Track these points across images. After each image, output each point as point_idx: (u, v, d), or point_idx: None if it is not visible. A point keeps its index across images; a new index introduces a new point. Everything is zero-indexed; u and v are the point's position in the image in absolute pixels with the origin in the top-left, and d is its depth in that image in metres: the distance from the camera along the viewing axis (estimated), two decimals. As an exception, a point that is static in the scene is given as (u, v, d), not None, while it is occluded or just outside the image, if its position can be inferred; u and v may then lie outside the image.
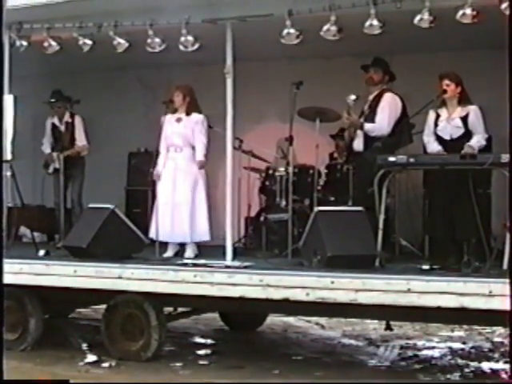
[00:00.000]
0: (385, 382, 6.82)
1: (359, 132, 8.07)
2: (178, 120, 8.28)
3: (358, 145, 8.10)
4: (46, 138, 9.84)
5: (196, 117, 8.27)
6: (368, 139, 7.96)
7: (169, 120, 8.30)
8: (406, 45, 8.78)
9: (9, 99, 8.96)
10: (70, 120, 9.65)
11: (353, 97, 7.97)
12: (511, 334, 6.34)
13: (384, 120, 7.90)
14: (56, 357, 7.83)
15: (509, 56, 5.52)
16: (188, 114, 8.27)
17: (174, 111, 8.35)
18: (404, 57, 9.03)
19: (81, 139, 9.65)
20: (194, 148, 8.28)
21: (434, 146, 7.46)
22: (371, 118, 7.97)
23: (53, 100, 9.65)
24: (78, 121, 9.66)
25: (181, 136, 8.23)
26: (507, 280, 5.76)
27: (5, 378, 5.41)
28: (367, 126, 7.95)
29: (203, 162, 8.20)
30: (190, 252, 8.22)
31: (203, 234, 8.22)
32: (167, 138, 8.26)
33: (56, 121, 9.75)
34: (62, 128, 9.66)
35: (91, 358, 7.78)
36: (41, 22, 8.32)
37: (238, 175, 8.63)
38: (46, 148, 9.80)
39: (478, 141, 7.27)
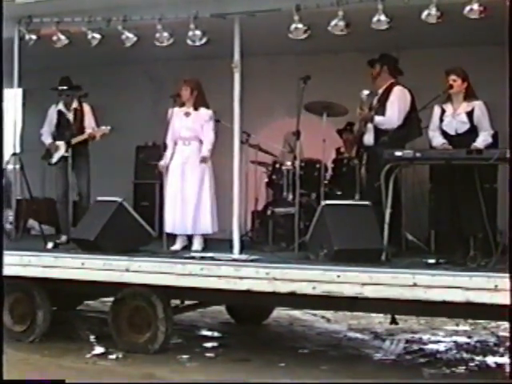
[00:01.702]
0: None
1: (369, 126, 8.08)
2: (187, 114, 8.32)
3: (369, 139, 8.11)
4: (46, 128, 9.38)
5: (205, 112, 8.31)
6: (378, 133, 7.98)
7: (177, 113, 8.33)
8: (413, 40, 8.80)
9: (18, 93, 9.02)
10: (78, 107, 9.29)
11: (366, 92, 8.01)
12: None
13: (394, 113, 7.91)
14: (64, 349, 7.88)
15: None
16: (196, 108, 8.32)
17: (182, 105, 8.39)
18: (411, 52, 9.04)
19: (90, 127, 9.26)
20: (201, 142, 8.33)
21: (438, 140, 7.48)
22: (381, 111, 7.98)
23: (64, 87, 9.25)
24: (87, 109, 9.30)
25: (189, 130, 8.28)
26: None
27: (7, 376, 5.44)
28: (377, 118, 7.96)
29: (207, 158, 8.25)
30: (197, 245, 8.27)
31: (207, 226, 8.26)
32: (175, 131, 8.30)
33: (62, 108, 9.31)
34: (70, 116, 9.23)
35: (99, 349, 7.84)
36: (50, 16, 8.38)
37: (245, 169, 8.68)
38: (47, 138, 9.33)
39: (483, 139, 7.28)
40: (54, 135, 9.33)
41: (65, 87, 9.26)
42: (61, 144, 9.12)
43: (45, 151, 9.39)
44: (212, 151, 8.33)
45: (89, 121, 9.28)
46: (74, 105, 9.31)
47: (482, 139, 7.29)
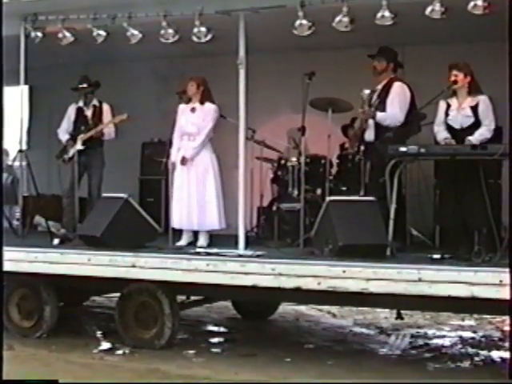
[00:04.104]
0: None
1: (370, 122, 8.08)
2: (193, 110, 8.36)
3: (369, 135, 8.12)
4: (64, 126, 9.38)
5: (209, 106, 8.35)
6: (379, 129, 7.99)
7: (183, 110, 8.37)
8: (417, 36, 8.82)
9: (24, 90, 9.04)
10: (97, 104, 9.35)
11: (367, 91, 8.00)
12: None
13: (395, 109, 7.90)
14: (71, 344, 7.90)
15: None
16: (202, 103, 8.36)
17: (188, 101, 8.42)
18: (416, 48, 9.07)
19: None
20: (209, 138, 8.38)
21: (442, 135, 7.48)
22: (381, 108, 7.97)
23: (84, 85, 9.29)
24: (106, 107, 9.33)
25: (195, 125, 8.31)
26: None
27: (16, 370, 5.48)
28: (379, 115, 7.93)
29: (187, 160, 8.22)
30: (202, 241, 8.30)
31: (213, 222, 8.30)
32: (181, 127, 8.33)
33: (82, 105, 9.34)
34: (89, 112, 9.31)
35: (105, 345, 7.86)
36: (56, 14, 8.43)
37: (251, 165, 8.70)
38: (64, 135, 9.34)
39: (480, 134, 7.28)
40: (71, 133, 9.35)
41: (84, 85, 9.29)
42: (77, 139, 9.12)
43: (60, 149, 9.37)
44: (215, 146, 8.40)
45: (107, 119, 9.28)
46: (94, 102, 9.35)
47: (479, 133, 7.29)
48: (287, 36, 7.95)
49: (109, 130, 9.23)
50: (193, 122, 8.33)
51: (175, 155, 8.31)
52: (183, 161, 8.23)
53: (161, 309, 7.67)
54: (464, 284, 6.28)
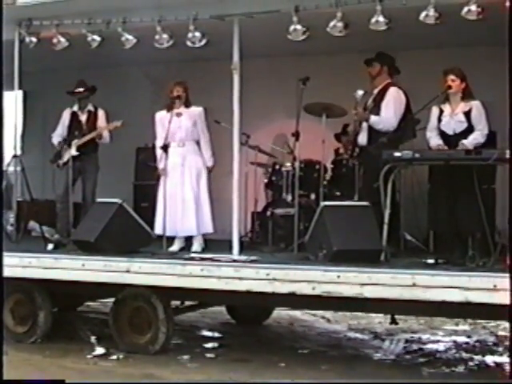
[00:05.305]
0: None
1: (364, 126, 8.12)
2: (178, 115, 8.32)
3: (362, 139, 8.15)
4: (59, 131, 9.42)
5: (197, 110, 8.38)
6: (372, 133, 8.02)
7: (167, 117, 8.27)
8: (411, 41, 8.83)
9: (19, 95, 9.01)
10: (92, 109, 9.37)
11: (360, 92, 8.03)
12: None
13: (389, 113, 7.94)
14: (65, 349, 7.89)
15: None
16: (187, 107, 8.36)
17: (171, 107, 8.36)
18: (410, 53, 9.07)
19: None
20: (197, 142, 8.41)
21: (435, 141, 7.51)
22: (375, 112, 8.02)
23: (80, 89, 9.31)
24: (100, 113, 9.35)
25: (184, 130, 8.30)
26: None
27: (8, 377, 5.45)
28: (373, 118, 7.99)
29: (212, 167, 8.42)
30: (196, 246, 8.29)
31: (208, 226, 8.29)
32: (169, 133, 8.18)
33: (77, 109, 9.38)
34: (83, 117, 9.33)
35: (100, 350, 7.84)
36: (50, 19, 8.42)
37: (245, 170, 8.70)
38: (58, 140, 9.37)
39: (474, 138, 7.32)
40: (65, 137, 9.35)
41: (81, 89, 9.29)
42: (71, 144, 9.12)
43: (54, 154, 9.38)
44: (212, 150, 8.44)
45: (101, 125, 9.29)
46: (89, 107, 9.35)
47: (473, 138, 7.33)
48: (281, 41, 7.95)
49: (105, 134, 9.24)
50: (181, 127, 8.30)
51: (163, 163, 8.27)
52: (211, 169, 8.43)
53: (155, 314, 7.67)
54: (458, 289, 6.29)
